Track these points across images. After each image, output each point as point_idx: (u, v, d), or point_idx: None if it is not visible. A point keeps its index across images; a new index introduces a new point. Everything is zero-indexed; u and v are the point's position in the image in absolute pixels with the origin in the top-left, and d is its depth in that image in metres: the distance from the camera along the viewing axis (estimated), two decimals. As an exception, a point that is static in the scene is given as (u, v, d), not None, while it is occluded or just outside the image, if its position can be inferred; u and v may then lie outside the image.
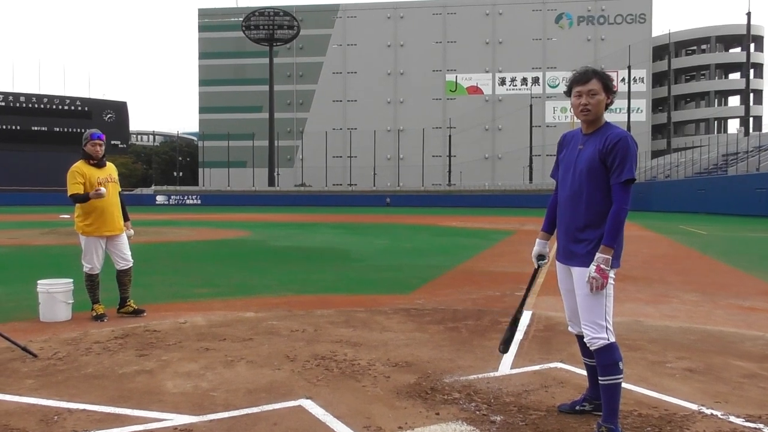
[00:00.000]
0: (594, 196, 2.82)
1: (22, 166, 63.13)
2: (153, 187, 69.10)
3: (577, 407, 3.16)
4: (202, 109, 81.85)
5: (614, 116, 58.71)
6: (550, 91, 75.37)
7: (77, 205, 5.66)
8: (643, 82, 73.50)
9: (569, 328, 3.18)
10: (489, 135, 77.30)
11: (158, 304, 6.42)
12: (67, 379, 3.74)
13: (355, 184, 70.23)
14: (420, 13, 78.20)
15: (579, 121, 2.99)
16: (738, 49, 75.33)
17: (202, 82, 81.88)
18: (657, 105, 77.89)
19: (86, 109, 69.34)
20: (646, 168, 55.87)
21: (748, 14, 51.88)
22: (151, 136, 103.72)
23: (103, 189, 5.55)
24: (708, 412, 3.19)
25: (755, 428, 2.97)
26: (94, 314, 5.60)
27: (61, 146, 63.58)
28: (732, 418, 3.09)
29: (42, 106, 67.46)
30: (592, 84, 2.85)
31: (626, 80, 61.01)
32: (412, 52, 78.17)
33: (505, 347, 3.33)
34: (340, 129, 77.97)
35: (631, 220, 27.06)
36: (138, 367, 4.00)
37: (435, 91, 78.23)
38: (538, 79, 76.53)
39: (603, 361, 2.81)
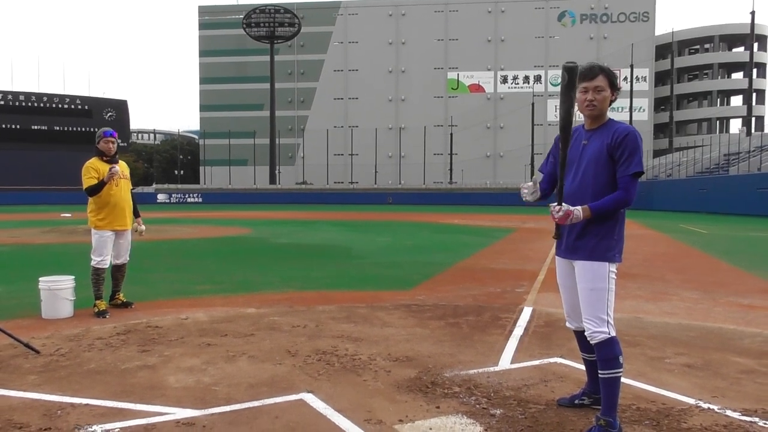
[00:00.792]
0: (599, 191, 2.85)
1: (22, 166, 63.17)
2: (154, 186, 69.11)
3: (576, 401, 3.19)
4: (203, 107, 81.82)
5: (617, 115, 58.55)
6: (552, 89, 75.20)
7: (90, 200, 5.85)
8: (645, 81, 73.35)
9: (567, 324, 3.20)
10: (491, 133, 77.21)
11: (160, 301, 6.45)
12: (70, 374, 3.78)
13: (357, 182, 70.17)
14: (421, 11, 78.08)
15: (581, 119, 3.02)
16: (741, 49, 75.15)
17: (203, 80, 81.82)
18: (659, 104, 77.75)
19: (86, 107, 69.33)
20: (648, 167, 55.76)
21: (752, 13, 51.79)
22: (152, 135, 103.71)
23: (116, 167, 5.77)
24: (705, 406, 3.22)
25: (750, 422, 3.00)
26: (96, 310, 5.65)
27: (62, 145, 63.63)
28: (728, 412, 3.12)
29: (42, 104, 67.44)
30: (598, 80, 2.87)
31: (629, 79, 60.93)
32: (414, 50, 78.07)
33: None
34: (342, 127, 77.91)
35: (632, 218, 27.07)
36: (140, 363, 4.03)
37: (436, 88, 78.11)
38: (540, 77, 76.40)
39: (603, 355, 2.84)
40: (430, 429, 2.88)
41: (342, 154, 74.78)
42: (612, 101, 2.94)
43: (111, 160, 5.93)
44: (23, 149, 64.57)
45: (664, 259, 11.17)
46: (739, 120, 73.14)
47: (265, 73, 71.07)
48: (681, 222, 25.70)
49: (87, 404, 3.22)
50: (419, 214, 34.56)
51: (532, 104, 65.46)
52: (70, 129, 67.17)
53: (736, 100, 78.15)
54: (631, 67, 61.07)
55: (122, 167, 6.04)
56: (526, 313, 5.82)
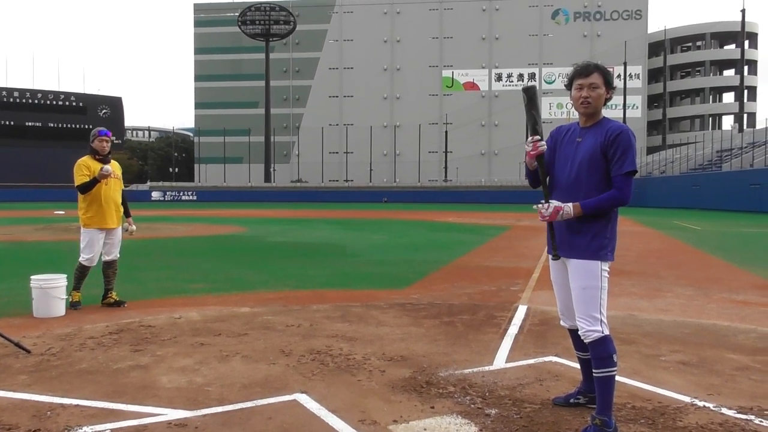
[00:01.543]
0: (592, 188, 2.83)
1: (16, 162, 62.77)
2: (148, 183, 68.88)
3: (572, 400, 3.18)
4: (198, 105, 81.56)
5: (610, 112, 58.65)
6: (546, 87, 75.34)
7: (80, 198, 5.93)
8: (638, 78, 73.58)
9: (561, 322, 3.19)
10: (485, 131, 77.29)
11: (153, 300, 6.41)
12: (61, 374, 3.74)
13: (352, 180, 70.14)
14: (416, 9, 78.03)
15: (575, 117, 3.00)
16: (733, 46, 75.51)
17: (198, 78, 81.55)
18: (652, 101, 78.02)
19: (81, 104, 68.99)
20: (641, 164, 55.95)
21: (743, 11, 52.06)
22: (146, 132, 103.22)
23: (107, 167, 5.82)
24: (701, 404, 3.21)
25: (746, 419, 2.99)
26: (71, 300, 5.73)
27: (56, 142, 63.25)
28: (724, 410, 3.12)
29: (36, 101, 67.08)
30: (593, 77, 2.87)
31: (622, 76, 61.09)
32: (409, 48, 78.04)
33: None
34: (337, 125, 77.83)
35: (626, 215, 27.15)
36: (132, 363, 4.00)
37: (431, 86, 78.13)
38: (535, 75, 76.49)
39: (597, 354, 2.83)
40: (425, 429, 2.86)
41: (337, 152, 74.73)
42: (607, 99, 2.93)
43: (104, 159, 5.99)
44: (17, 146, 64.20)
45: (658, 256, 11.20)
46: (731, 117, 73.46)
47: (261, 71, 70.86)
48: (674, 218, 25.80)
49: (78, 405, 3.19)
50: (414, 212, 34.57)
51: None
52: (65, 126, 66.79)
53: (728, 97, 78.54)
54: (624, 64, 61.28)
55: (114, 167, 6.09)
56: (521, 311, 5.81)
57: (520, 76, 76.87)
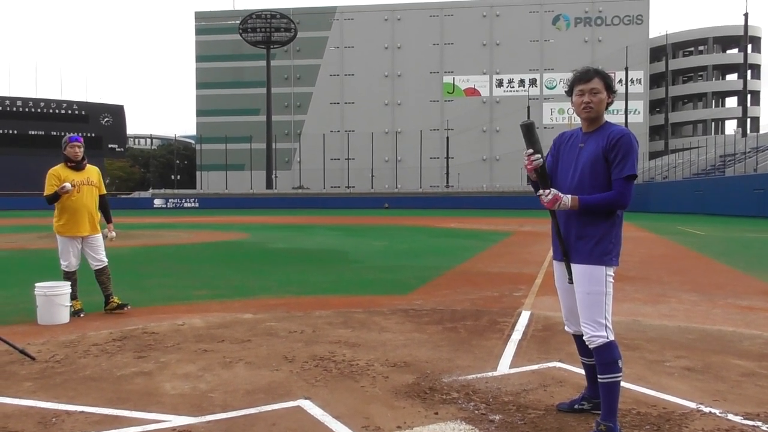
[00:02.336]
0: (595, 193, 2.83)
1: (19, 170, 62.93)
2: (151, 191, 68.97)
3: (576, 406, 3.17)
4: (200, 112, 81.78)
5: (612, 117, 58.34)
6: (547, 92, 75.45)
7: (55, 205, 5.96)
8: (640, 83, 73.63)
9: (566, 328, 3.18)
10: (487, 137, 77.34)
11: (156, 306, 6.41)
12: (66, 381, 3.74)
13: (353, 186, 70.17)
14: (417, 15, 78.27)
15: (577, 123, 3.01)
16: (735, 50, 75.53)
17: (200, 85, 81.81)
18: (654, 106, 78.01)
19: (83, 112, 69.20)
20: (644, 169, 55.95)
21: (746, 15, 52.03)
22: (148, 140, 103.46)
23: (67, 184, 5.80)
24: (706, 410, 3.20)
25: (753, 426, 2.98)
26: (72, 309, 5.74)
27: (59, 150, 63.11)
28: (730, 416, 3.10)
29: (39, 110, 67.32)
30: (594, 83, 2.88)
31: (624, 82, 61.14)
32: (410, 54, 78.23)
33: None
34: (338, 131, 77.95)
35: (629, 220, 27.08)
36: (136, 369, 4.00)
37: (432, 93, 78.27)
38: (536, 80, 76.62)
39: (602, 360, 2.82)
40: (429, 435, 2.85)
41: (338, 159, 74.81)
42: (609, 104, 2.94)
43: (77, 165, 5.97)
44: (20, 154, 64.41)
45: (662, 261, 11.17)
46: (734, 121, 73.46)
47: (262, 78, 71.09)
48: (678, 224, 25.75)
49: (82, 411, 3.19)
50: (416, 218, 34.56)
51: (528, 107, 65.57)
52: (67, 134, 66.91)
53: (731, 102, 78.52)
54: (626, 69, 61.31)
55: (90, 173, 6.06)
56: (525, 317, 5.80)
57: (521, 82, 76.98)
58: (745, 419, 3.06)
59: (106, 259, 6.13)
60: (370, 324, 5.44)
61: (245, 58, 78.70)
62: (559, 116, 74.04)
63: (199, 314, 5.93)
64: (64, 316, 5.55)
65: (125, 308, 5.98)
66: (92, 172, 6.10)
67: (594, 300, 2.84)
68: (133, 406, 3.27)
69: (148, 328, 5.28)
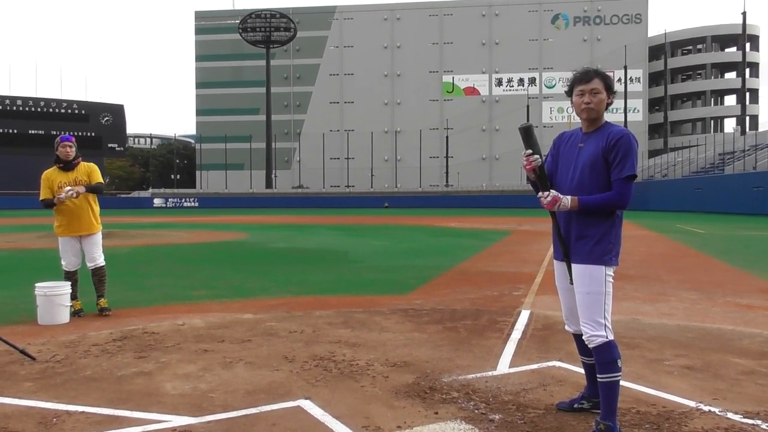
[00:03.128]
0: (595, 193, 2.84)
1: (19, 170, 62.89)
2: (150, 190, 68.98)
3: (576, 405, 3.17)
4: (200, 112, 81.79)
5: (611, 116, 58.36)
6: (546, 91, 75.48)
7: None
8: (639, 82, 73.65)
9: (566, 327, 3.18)
10: (486, 136, 77.36)
11: (156, 307, 6.42)
12: (66, 381, 3.74)
13: (353, 186, 70.23)
14: (416, 15, 78.26)
15: (576, 122, 3.02)
16: (734, 49, 75.51)
17: (199, 85, 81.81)
18: (653, 105, 78.02)
19: (83, 112, 69.16)
20: (643, 167, 56.00)
21: (744, 14, 52.09)
22: (148, 139, 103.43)
23: (62, 195, 5.73)
24: (706, 408, 3.20)
25: (753, 424, 2.98)
26: (72, 309, 5.75)
27: (58, 150, 63.24)
28: (730, 415, 3.11)
29: (39, 109, 67.30)
30: (594, 83, 2.88)
31: (623, 80, 61.15)
32: (409, 54, 78.23)
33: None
34: (338, 130, 77.97)
35: (628, 219, 27.07)
36: (136, 369, 4.00)
37: (432, 92, 78.29)
38: (535, 79, 76.64)
39: (602, 359, 2.82)
40: (429, 434, 2.86)
41: (338, 158, 74.82)
42: (609, 104, 2.95)
43: (68, 165, 5.95)
44: (21, 154, 64.38)
45: (661, 260, 11.18)
46: (733, 119, 73.46)
47: (261, 78, 71.09)
48: (677, 222, 25.76)
49: (83, 411, 3.19)
50: (415, 217, 34.56)
51: (527, 106, 65.59)
52: (67, 134, 66.90)
53: (730, 100, 78.50)
54: (625, 68, 61.32)
55: (79, 173, 5.95)
56: (524, 316, 5.80)
57: (521, 81, 77.00)
58: (744, 418, 3.06)
59: (101, 261, 6.09)
60: (370, 324, 5.44)
61: (245, 57, 78.69)
62: (559, 115, 74.03)
63: (199, 314, 5.94)
64: (65, 317, 5.55)
65: (105, 313, 5.87)
66: (81, 171, 5.98)
67: (593, 300, 2.84)
68: (133, 407, 3.27)
69: (149, 328, 5.29)
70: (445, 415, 3.12)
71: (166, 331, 5.15)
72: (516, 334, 5.00)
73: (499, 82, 77.53)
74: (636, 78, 72.43)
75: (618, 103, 58.33)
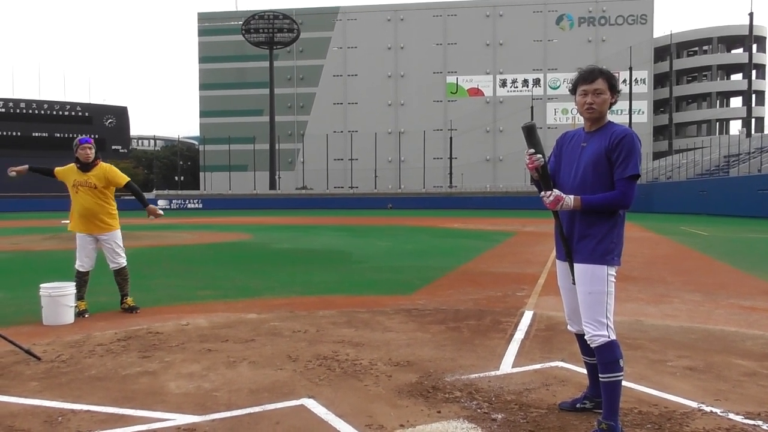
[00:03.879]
0: (597, 193, 2.85)
1: (23, 172, 63.17)
2: (154, 192, 69.09)
3: (578, 405, 3.18)
4: (203, 113, 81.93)
5: (616, 117, 58.50)
6: (551, 92, 75.31)
7: None
8: (644, 83, 73.42)
9: (568, 327, 3.19)
10: (490, 137, 77.26)
11: (161, 307, 6.45)
12: (71, 381, 3.77)
13: (357, 187, 70.19)
14: (420, 15, 78.25)
15: (580, 123, 3.03)
16: (740, 50, 75.21)
17: (203, 86, 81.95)
18: (658, 106, 77.81)
19: (87, 114, 69.47)
20: (648, 169, 55.82)
21: (751, 15, 51.94)
22: (152, 141, 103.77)
23: (12, 171, 6.26)
24: (708, 409, 3.21)
25: (754, 425, 2.99)
26: (77, 310, 5.77)
27: (62, 152, 63.51)
28: (731, 416, 3.11)
29: (42, 112, 67.61)
30: (597, 83, 2.88)
31: (627, 81, 61.02)
32: (413, 55, 78.22)
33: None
34: (341, 132, 77.97)
35: (632, 220, 27.05)
36: (141, 369, 4.03)
37: (436, 93, 78.23)
38: (539, 80, 76.50)
39: (604, 359, 2.83)
40: (432, 434, 2.87)
41: (342, 159, 74.83)
42: (612, 104, 2.95)
43: (84, 167, 6.02)
44: (24, 156, 64.58)
45: (665, 262, 11.16)
46: (739, 121, 73.14)
47: (265, 79, 71.18)
48: (681, 224, 25.69)
49: (88, 410, 3.22)
50: (419, 218, 34.56)
51: (531, 108, 65.50)
52: (71, 136, 67.08)
53: (736, 102, 78.18)
54: (630, 69, 61.19)
55: (93, 176, 6.00)
56: (527, 316, 5.81)
57: (525, 82, 76.88)
58: (746, 419, 3.07)
59: (123, 261, 6.16)
60: (374, 324, 5.46)
61: (248, 58, 78.80)
62: (563, 116, 73.91)
63: (203, 314, 5.96)
64: (69, 317, 5.59)
65: (134, 311, 6.02)
66: (96, 173, 6.00)
67: (595, 299, 2.85)
68: (138, 405, 3.30)
69: (153, 328, 5.31)
70: (448, 414, 3.13)
71: (171, 331, 5.17)
72: (519, 335, 5.01)
73: (504, 83, 77.44)
74: (641, 79, 72.22)
75: (623, 104, 58.31)
